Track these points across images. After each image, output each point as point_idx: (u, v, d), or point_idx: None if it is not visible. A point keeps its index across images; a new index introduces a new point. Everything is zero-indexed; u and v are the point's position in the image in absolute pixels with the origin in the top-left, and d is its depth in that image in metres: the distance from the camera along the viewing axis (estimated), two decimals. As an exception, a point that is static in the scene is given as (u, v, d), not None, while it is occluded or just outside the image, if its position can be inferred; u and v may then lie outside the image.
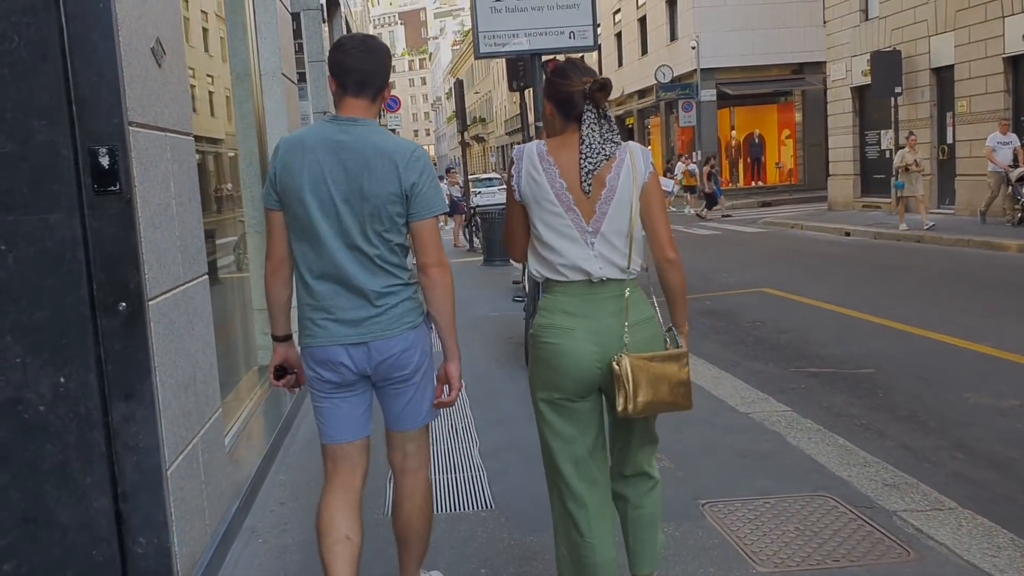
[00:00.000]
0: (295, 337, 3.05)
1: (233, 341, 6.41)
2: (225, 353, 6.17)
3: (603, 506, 2.85)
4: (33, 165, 2.96)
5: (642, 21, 37.67)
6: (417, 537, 3.10)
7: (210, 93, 6.71)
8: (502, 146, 71.78)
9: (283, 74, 7.06)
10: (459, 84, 19.34)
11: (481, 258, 15.98)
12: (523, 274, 11.69)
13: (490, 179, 33.84)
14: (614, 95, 41.05)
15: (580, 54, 7.11)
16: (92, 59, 2.97)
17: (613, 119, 2.79)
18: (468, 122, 23.61)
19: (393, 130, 37.85)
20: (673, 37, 34.26)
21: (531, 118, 10.74)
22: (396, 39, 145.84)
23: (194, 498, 3.51)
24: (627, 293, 2.71)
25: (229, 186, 6.89)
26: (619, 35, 41.02)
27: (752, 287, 11.79)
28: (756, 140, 32.80)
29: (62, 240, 2.99)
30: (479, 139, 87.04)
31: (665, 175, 26.98)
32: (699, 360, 7.21)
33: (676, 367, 2.70)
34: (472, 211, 18.30)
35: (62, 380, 3.03)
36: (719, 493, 4.31)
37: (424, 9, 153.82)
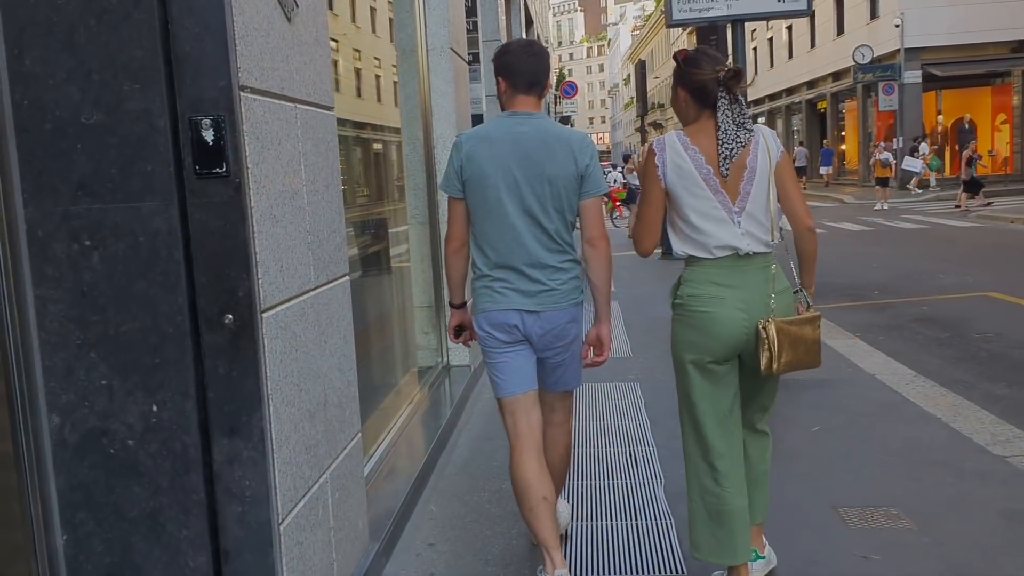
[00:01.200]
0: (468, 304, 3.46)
1: (390, 342, 5.84)
2: (381, 355, 5.62)
3: (739, 458, 3.10)
4: (123, 139, 2.35)
5: (838, -1, 35.33)
6: (559, 476, 3.55)
7: (376, 77, 6.17)
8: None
9: (452, 50, 6.42)
10: (640, 66, 18.30)
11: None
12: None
13: (669, 167, 32.53)
14: (806, 77, 39.04)
15: (790, 20, 6.11)
16: (195, 5, 2.33)
17: (745, 104, 2.93)
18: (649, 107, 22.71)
19: (568, 116, 37.66)
20: (874, 15, 31.82)
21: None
22: (575, 26, 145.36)
23: (318, 552, 2.86)
24: (773, 266, 2.95)
25: (395, 175, 6.33)
26: (812, 14, 38.59)
27: (974, 290, 10.31)
28: (966, 126, 29.84)
29: (156, 234, 2.38)
30: (657, 125, 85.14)
31: (912, 155, 25.14)
32: (928, 382, 6.09)
33: (811, 329, 2.97)
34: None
35: (154, 408, 2.43)
36: (983, 571, 3.31)
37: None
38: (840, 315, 9.18)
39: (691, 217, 2.90)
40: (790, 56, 41.94)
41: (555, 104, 32.68)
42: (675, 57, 2.99)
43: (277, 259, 2.60)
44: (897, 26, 28.75)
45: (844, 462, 4.59)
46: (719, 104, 2.86)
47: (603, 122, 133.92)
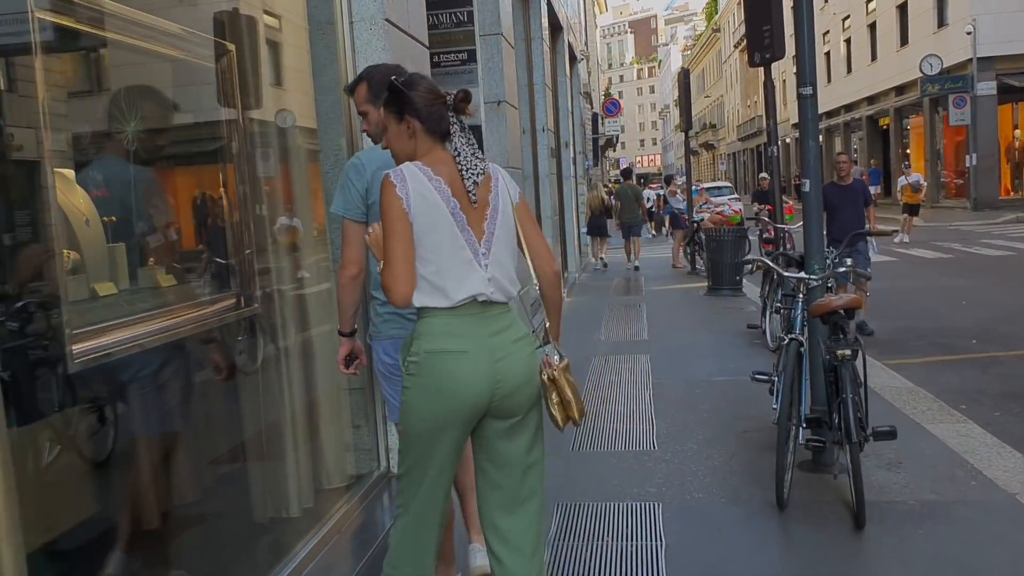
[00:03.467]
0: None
1: (292, 444, 3.96)
2: (274, 470, 3.73)
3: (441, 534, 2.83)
4: None
5: (902, 8, 32.92)
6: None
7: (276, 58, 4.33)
8: (733, 153, 67.64)
9: (388, 21, 4.50)
10: (684, 74, 16.31)
11: (705, 284, 12.93)
12: (765, 316, 8.68)
13: (719, 188, 30.39)
14: (866, 92, 36.70)
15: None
16: None
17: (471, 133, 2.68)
18: (697, 128, 20.59)
19: (611, 137, 35.74)
20: (942, 22, 29.44)
21: (778, 105, 7.67)
22: (625, 48, 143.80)
23: None
24: (513, 311, 2.70)
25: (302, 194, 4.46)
26: (872, 25, 36.34)
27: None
28: (1046, 141, 27.27)
29: None
30: (709, 146, 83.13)
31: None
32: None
33: (568, 376, 2.73)
34: (695, 226, 15.22)
35: None
36: None
37: (655, 16, 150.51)
38: (933, 375, 7.06)
39: (433, 257, 2.57)
40: (848, 70, 39.62)
41: (599, 123, 30.79)
42: (392, 85, 2.62)
43: None
44: (969, 33, 26.38)
45: None
46: (452, 131, 2.62)
47: (654, 144, 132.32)
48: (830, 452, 4.52)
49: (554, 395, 2.64)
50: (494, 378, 2.56)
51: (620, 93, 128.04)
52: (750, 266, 4.94)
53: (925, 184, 21.31)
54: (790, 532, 4.10)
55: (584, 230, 18.60)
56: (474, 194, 2.58)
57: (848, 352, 3.92)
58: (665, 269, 16.89)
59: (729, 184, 34.14)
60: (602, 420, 6.05)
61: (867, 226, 8.26)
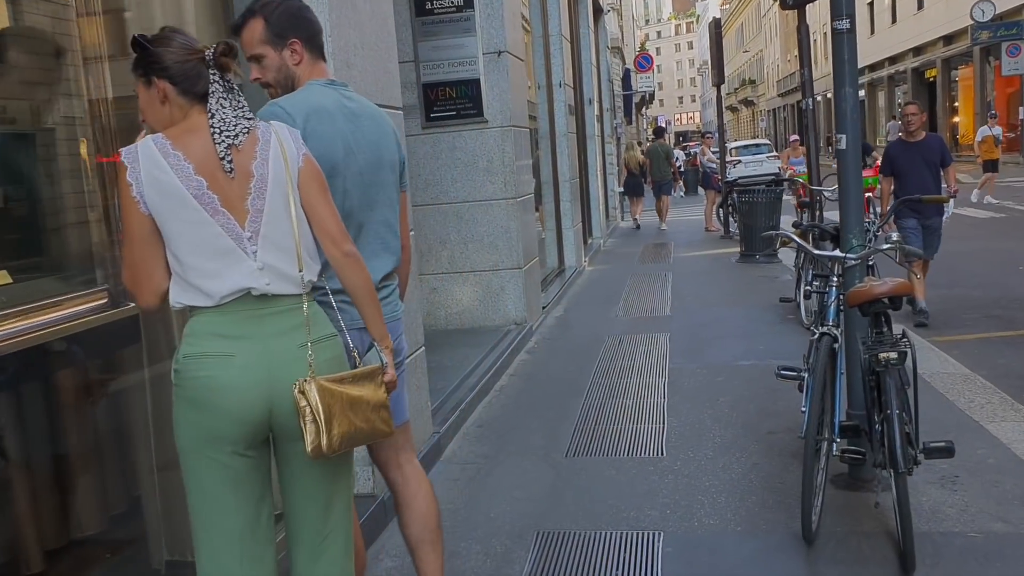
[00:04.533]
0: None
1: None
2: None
3: None
4: None
5: (951, -49, 31.22)
6: (440, 530, 2.79)
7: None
8: (773, 109, 65.77)
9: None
10: (715, 24, 15.17)
11: (737, 251, 12.01)
12: (800, 288, 7.75)
13: (758, 145, 29.15)
14: (913, 43, 35.00)
15: None
16: None
17: (241, 92, 2.21)
18: (736, 84, 19.46)
19: (645, 93, 34.56)
20: (994, -35, 27.76)
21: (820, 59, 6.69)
22: (663, 3, 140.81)
23: None
24: (305, 306, 2.19)
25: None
26: (920, -28, 34.59)
27: None
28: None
29: None
30: (748, 103, 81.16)
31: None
32: None
33: (372, 388, 2.23)
34: (729, 187, 14.22)
35: None
36: None
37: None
38: (990, 356, 6.16)
39: (185, 252, 2.09)
40: (893, 20, 37.88)
41: (631, 80, 29.61)
42: (136, 40, 2.12)
43: None
44: (1024, -23, 24.83)
45: None
46: (212, 91, 2.14)
47: (692, 101, 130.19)
48: (870, 464, 3.68)
49: (307, 411, 2.10)
50: (271, 389, 2.12)
51: (657, 50, 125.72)
52: (775, 242, 4.03)
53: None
54: None
55: (620, 190, 18.30)
56: (230, 163, 2.10)
57: (893, 355, 3.08)
58: (698, 233, 15.96)
59: (768, 141, 32.79)
60: (606, 417, 5.25)
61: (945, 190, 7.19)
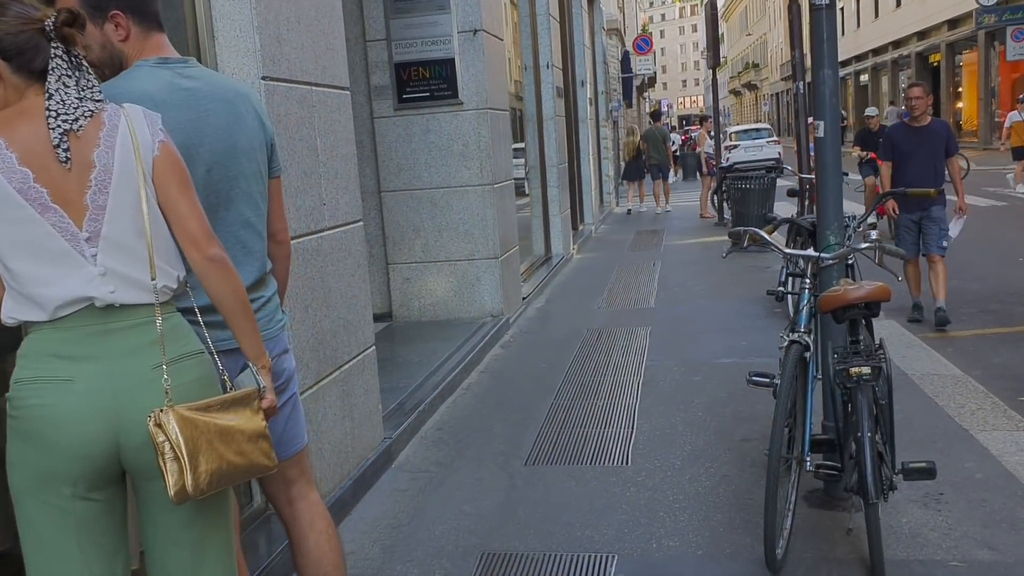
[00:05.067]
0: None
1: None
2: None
3: None
4: None
5: (957, -69, 30.68)
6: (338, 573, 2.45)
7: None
8: (776, 93, 65.16)
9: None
10: (711, 4, 14.76)
11: (728, 239, 11.66)
12: (784, 281, 7.43)
13: (758, 130, 28.68)
14: (915, 27, 34.46)
15: None
16: None
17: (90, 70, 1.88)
18: (739, 68, 19.01)
19: (645, 76, 34.08)
20: (1001, -53, 27.27)
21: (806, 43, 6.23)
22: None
23: None
24: (160, 320, 1.86)
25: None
26: (924, -47, 34.01)
27: None
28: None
29: None
30: (751, 87, 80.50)
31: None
32: None
33: (248, 415, 1.91)
34: (723, 172, 13.85)
35: None
36: None
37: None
38: (985, 354, 5.85)
39: (11, 257, 1.78)
40: (898, 4, 37.33)
41: (630, 62, 29.12)
42: None
43: None
44: (1031, -41, 24.34)
45: None
46: (53, 68, 1.80)
47: (696, 85, 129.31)
48: (842, 487, 3.37)
49: (166, 447, 1.77)
50: (118, 419, 1.80)
51: (661, 32, 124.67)
52: (739, 241, 3.69)
53: None
54: (784, 608, 3.00)
55: (612, 175, 18.18)
56: (66, 152, 1.77)
57: (866, 371, 2.76)
58: (692, 219, 15.63)
59: (768, 126, 32.31)
60: (573, 420, 4.95)
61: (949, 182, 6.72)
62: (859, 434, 2.72)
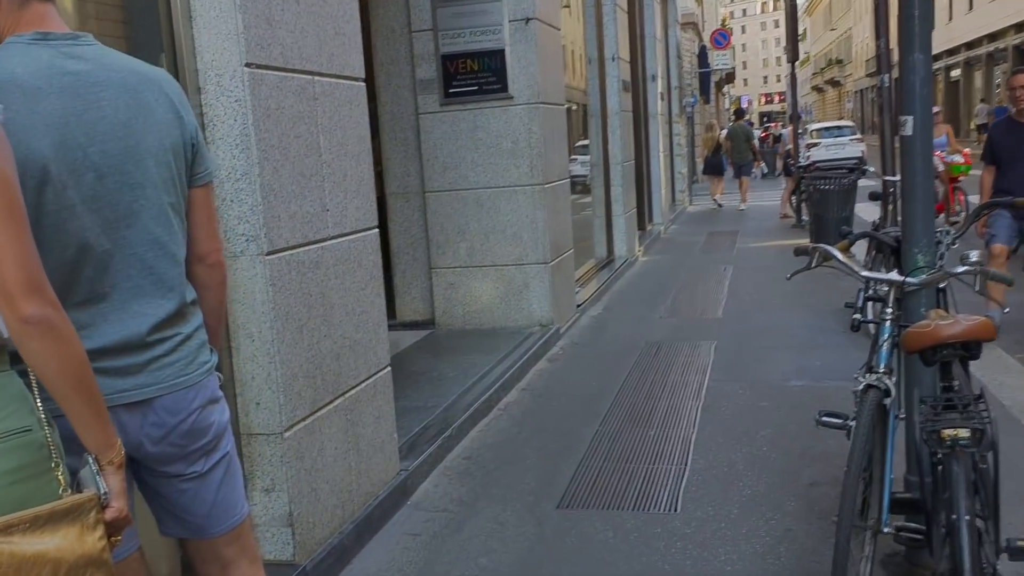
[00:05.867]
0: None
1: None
2: None
3: None
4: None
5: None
6: None
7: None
8: (861, 90, 63.08)
9: None
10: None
11: (806, 243, 10.92)
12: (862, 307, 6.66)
13: (840, 127, 27.53)
14: (1014, 18, 32.67)
15: None
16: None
17: None
18: (822, 64, 18.15)
19: (723, 71, 33.12)
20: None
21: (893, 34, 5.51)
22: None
23: None
24: None
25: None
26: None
27: None
28: None
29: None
30: (834, 83, 78.23)
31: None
32: None
33: (75, 532, 1.39)
34: (802, 172, 13.03)
35: None
36: None
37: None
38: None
39: None
40: (994, -7, 35.55)
41: (706, 57, 28.22)
42: None
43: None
44: None
45: None
46: None
47: (778, 81, 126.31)
48: (932, 565, 2.77)
49: None
50: None
51: (743, 27, 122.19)
52: (808, 258, 3.10)
53: None
54: None
55: (685, 171, 17.88)
56: None
57: (964, 434, 2.16)
58: (770, 220, 14.84)
59: (851, 123, 31.01)
60: (618, 452, 4.40)
61: None
62: (954, 516, 2.13)
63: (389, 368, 3.84)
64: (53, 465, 1.42)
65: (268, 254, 2.96)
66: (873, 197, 7.22)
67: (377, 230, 3.77)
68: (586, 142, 10.36)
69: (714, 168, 18.18)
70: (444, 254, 6.78)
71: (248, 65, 2.90)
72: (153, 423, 1.76)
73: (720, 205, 17.70)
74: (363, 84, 3.71)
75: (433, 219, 6.79)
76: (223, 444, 1.92)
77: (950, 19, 40.84)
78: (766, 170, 25.20)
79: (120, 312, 1.73)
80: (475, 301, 6.79)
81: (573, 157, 10.39)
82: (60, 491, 1.42)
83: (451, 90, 6.65)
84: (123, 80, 1.72)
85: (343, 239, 3.45)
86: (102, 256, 1.69)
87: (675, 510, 3.69)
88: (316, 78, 3.32)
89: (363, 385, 3.57)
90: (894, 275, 2.78)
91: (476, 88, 6.62)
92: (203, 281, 1.93)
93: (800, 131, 17.66)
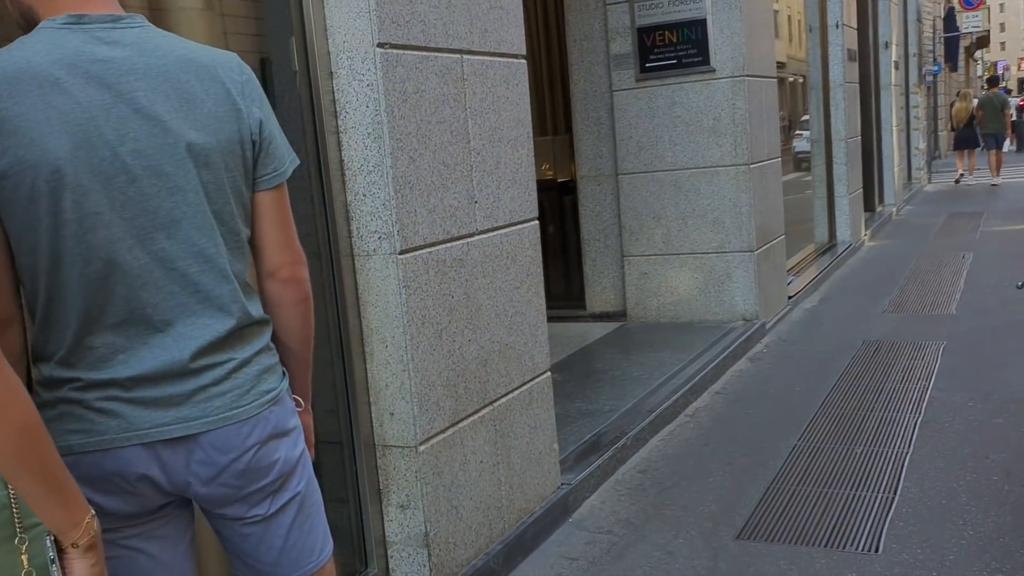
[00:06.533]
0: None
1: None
2: None
3: None
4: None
5: None
6: None
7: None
8: None
9: None
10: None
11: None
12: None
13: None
14: None
15: None
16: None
17: None
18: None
19: (974, 34, 30.28)
20: None
21: None
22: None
23: None
24: None
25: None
26: None
27: None
28: None
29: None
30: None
31: None
32: None
33: None
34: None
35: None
36: None
37: None
38: None
39: None
40: None
41: (953, 19, 25.72)
42: None
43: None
44: None
45: None
46: None
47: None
48: None
49: None
50: None
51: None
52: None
53: None
54: None
55: (923, 145, 16.64)
56: None
57: None
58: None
59: None
60: (816, 473, 3.85)
61: None
62: None
63: (548, 374, 3.51)
64: (17, 532, 1.18)
65: (401, 252, 2.71)
66: None
67: (537, 222, 3.43)
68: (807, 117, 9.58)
69: (967, 141, 16.95)
70: (638, 241, 6.37)
71: (381, 45, 2.65)
72: (200, 461, 1.52)
73: (958, 181, 16.56)
74: (523, 61, 3.38)
75: (626, 203, 6.39)
76: (292, 483, 1.66)
77: None
78: (1015, 146, 22.91)
79: (162, 335, 1.50)
80: (670, 292, 6.33)
81: (798, 132, 9.63)
82: (22, 574, 1.17)
83: (647, 64, 6.20)
84: (163, 68, 1.47)
85: (494, 233, 3.15)
86: (138, 271, 1.46)
87: (876, 550, 3.14)
88: (466, 56, 3.03)
89: (515, 393, 3.27)
90: None
91: (675, 61, 6.14)
92: (275, 299, 1.67)
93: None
